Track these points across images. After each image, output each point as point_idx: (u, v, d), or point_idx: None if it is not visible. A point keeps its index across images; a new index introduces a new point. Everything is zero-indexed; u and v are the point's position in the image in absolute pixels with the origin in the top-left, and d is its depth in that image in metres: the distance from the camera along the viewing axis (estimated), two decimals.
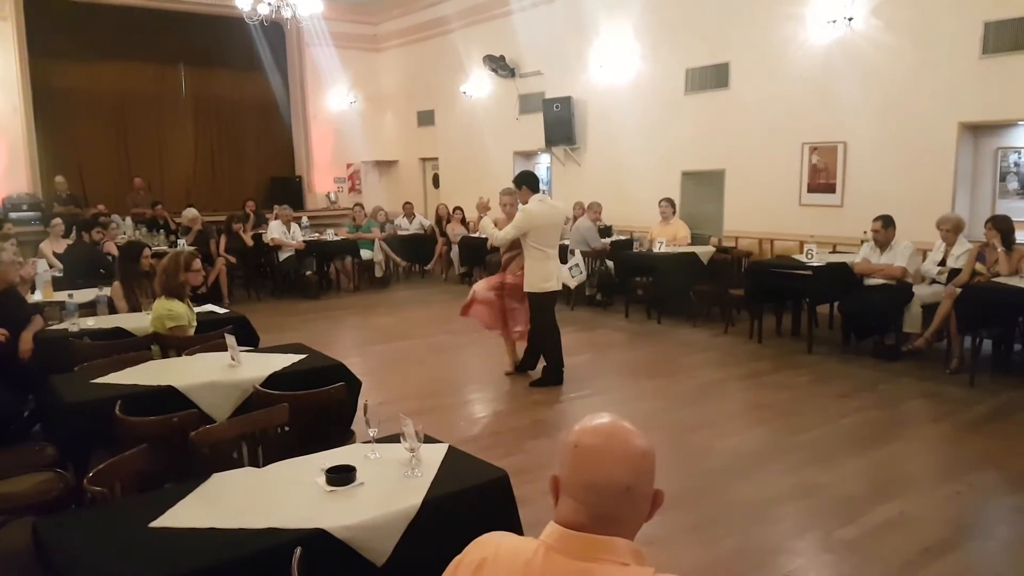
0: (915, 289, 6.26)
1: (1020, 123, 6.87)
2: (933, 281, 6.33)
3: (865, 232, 6.67)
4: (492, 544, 1.35)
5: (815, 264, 6.68)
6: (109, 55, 12.28)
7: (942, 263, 6.31)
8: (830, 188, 7.95)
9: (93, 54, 12.11)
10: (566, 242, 9.33)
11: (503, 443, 4.79)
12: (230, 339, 3.62)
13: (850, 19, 7.50)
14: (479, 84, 12.46)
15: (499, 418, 5.35)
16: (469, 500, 2.33)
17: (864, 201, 7.44)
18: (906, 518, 3.59)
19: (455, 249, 11.30)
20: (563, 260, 9.09)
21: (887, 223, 6.38)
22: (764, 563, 3.28)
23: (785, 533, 3.55)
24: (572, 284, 8.88)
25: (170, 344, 4.06)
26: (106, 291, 5.29)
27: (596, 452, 1.27)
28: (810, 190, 8.14)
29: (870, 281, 6.45)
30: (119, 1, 11.94)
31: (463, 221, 11.70)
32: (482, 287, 6.23)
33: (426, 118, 13.98)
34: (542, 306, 5.82)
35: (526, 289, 5.78)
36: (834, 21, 7.60)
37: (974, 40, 6.72)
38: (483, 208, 5.54)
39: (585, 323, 8.29)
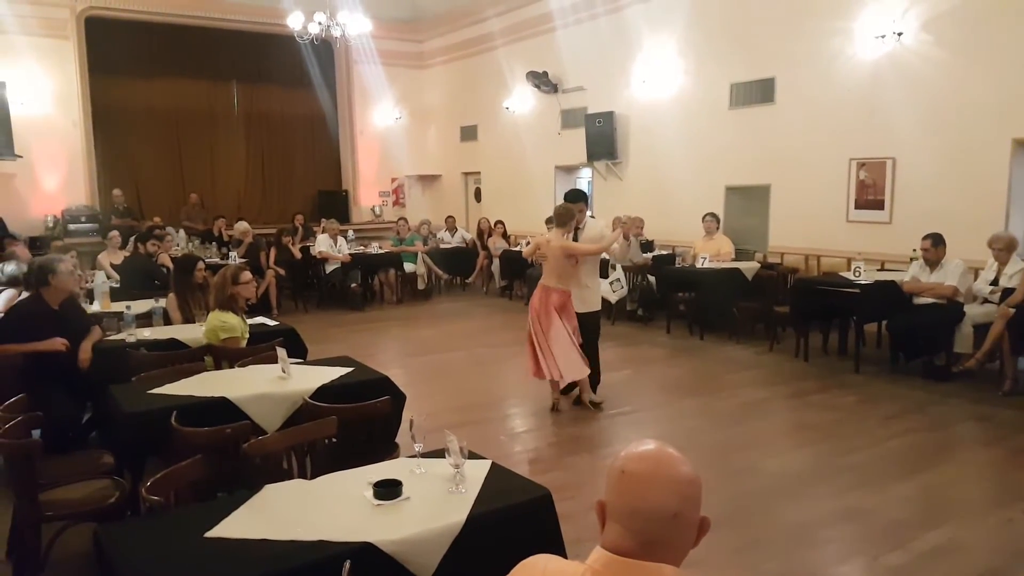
0: (966, 308, 6.11)
1: None
2: (985, 300, 6.17)
3: (915, 250, 6.52)
4: (539, 567, 1.37)
5: (863, 282, 6.57)
6: (165, 72, 12.74)
7: (994, 282, 6.14)
8: (878, 204, 7.79)
9: (149, 71, 12.58)
10: (607, 257, 9.33)
11: (543, 458, 4.81)
12: (281, 352, 3.73)
13: (899, 34, 7.37)
14: (522, 100, 12.57)
15: (539, 433, 5.37)
16: (513, 518, 2.36)
17: (914, 218, 7.27)
18: (956, 545, 3.51)
19: (496, 262, 11.40)
20: (604, 275, 9.10)
21: (937, 241, 6.25)
22: None
23: (830, 558, 3.49)
24: (613, 299, 8.88)
25: (223, 356, 4.19)
26: (162, 303, 5.48)
27: (643, 478, 1.29)
28: (858, 206, 7.99)
29: (920, 300, 6.32)
30: (174, 20, 12.36)
31: (504, 235, 11.79)
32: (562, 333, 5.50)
33: (469, 133, 14.14)
34: (600, 323, 5.90)
35: (589, 309, 5.65)
36: (883, 36, 7.47)
37: None
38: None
39: (626, 338, 8.26)
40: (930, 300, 6.23)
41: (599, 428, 5.40)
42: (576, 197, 5.73)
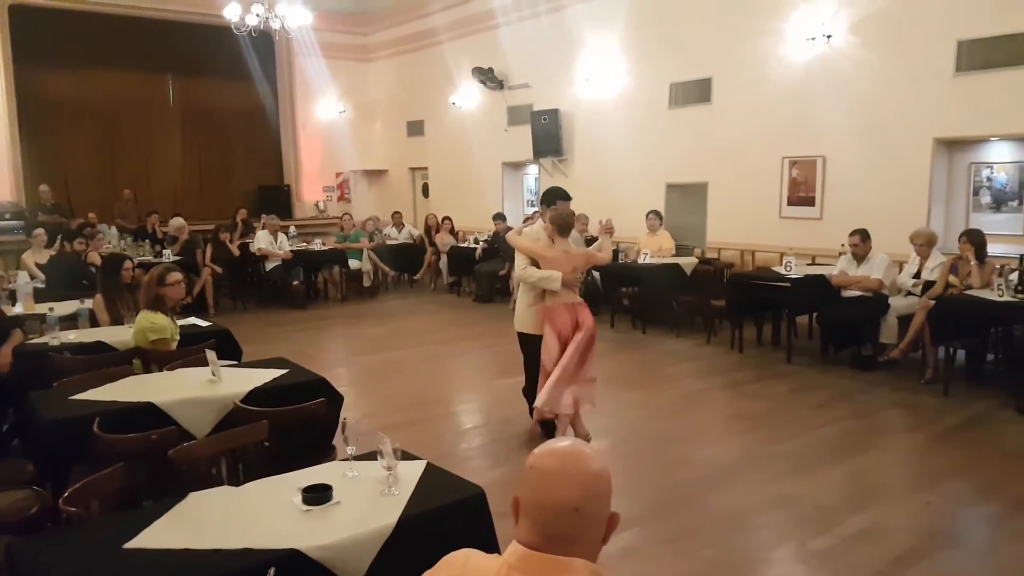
0: (891, 301, 6.36)
1: (992, 139, 7.00)
2: (908, 293, 6.43)
3: (843, 245, 6.77)
4: (459, 563, 1.40)
5: (794, 276, 6.79)
6: (96, 63, 12.26)
7: (917, 275, 6.41)
8: (809, 201, 8.07)
9: (79, 62, 12.09)
10: None
11: (490, 455, 4.82)
12: (211, 354, 3.64)
13: (829, 36, 7.63)
14: (468, 95, 12.53)
15: (486, 430, 5.38)
16: (445, 518, 2.36)
17: (842, 214, 7.54)
18: (878, 528, 3.66)
19: (444, 259, 11.36)
20: None
21: (865, 236, 6.49)
22: (739, 575, 3.34)
23: (761, 544, 3.61)
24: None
25: (152, 358, 4.08)
26: (88, 303, 5.29)
27: (549, 474, 1.32)
28: (790, 203, 8.25)
29: (847, 293, 6.55)
30: (105, 10, 11.90)
31: (452, 231, 11.76)
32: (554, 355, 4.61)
33: (416, 128, 14.03)
34: None
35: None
36: (813, 38, 7.72)
37: (948, 58, 6.85)
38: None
39: None
40: (857, 293, 6.47)
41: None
42: (567, 196, 4.90)
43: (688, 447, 4.84)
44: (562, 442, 1.39)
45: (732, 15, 8.57)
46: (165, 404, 3.29)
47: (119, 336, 4.58)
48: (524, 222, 8.37)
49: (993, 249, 6.25)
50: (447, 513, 2.38)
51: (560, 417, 4.67)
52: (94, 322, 5.11)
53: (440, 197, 13.61)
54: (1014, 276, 5.52)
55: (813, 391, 5.93)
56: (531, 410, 4.99)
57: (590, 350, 4.63)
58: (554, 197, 4.83)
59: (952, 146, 7.23)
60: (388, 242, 11.75)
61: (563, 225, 4.63)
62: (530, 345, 4.84)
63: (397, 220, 12.28)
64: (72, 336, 4.71)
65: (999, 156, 7.06)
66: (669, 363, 6.94)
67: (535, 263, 4.63)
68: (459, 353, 7.68)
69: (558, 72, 10.77)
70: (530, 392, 5.02)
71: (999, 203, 7.04)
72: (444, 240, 11.56)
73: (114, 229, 10.68)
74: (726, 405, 5.83)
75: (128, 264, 5.17)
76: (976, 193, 7.18)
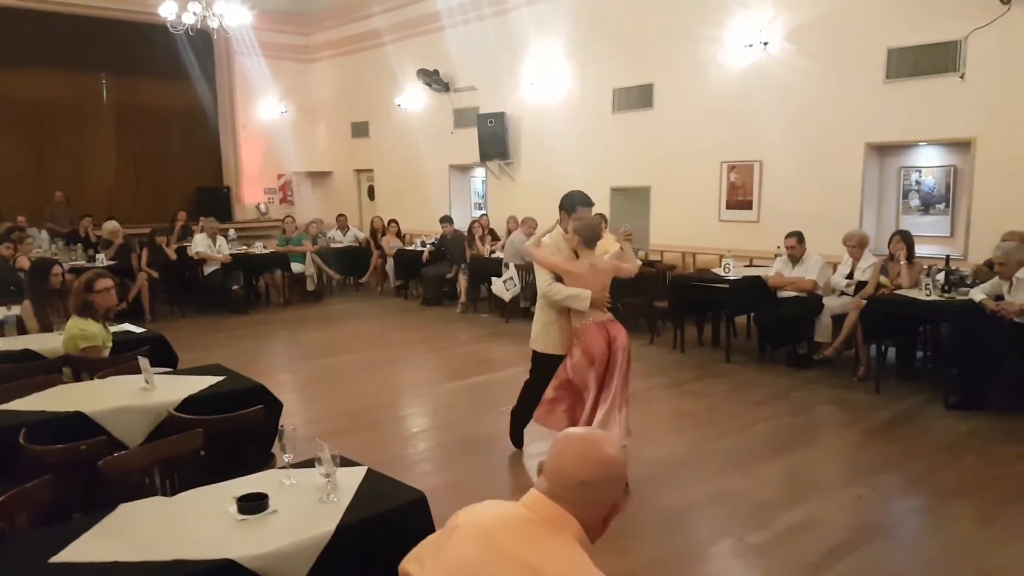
0: (825, 301, 6.59)
1: (921, 144, 7.32)
2: (842, 293, 6.67)
3: (779, 247, 6.98)
4: (480, 507, 1.65)
5: (732, 277, 6.97)
6: (25, 62, 11.77)
7: (850, 276, 6.66)
8: (747, 205, 8.30)
9: (7, 60, 11.59)
10: (501, 255, 9.44)
11: (433, 459, 4.81)
12: (143, 361, 3.54)
13: (765, 43, 7.87)
14: (414, 97, 12.46)
15: (431, 434, 5.37)
16: (385, 523, 2.34)
17: (778, 217, 7.77)
18: (812, 521, 3.78)
19: (390, 262, 11.27)
20: (497, 274, 9.19)
21: (800, 239, 6.71)
22: (678, 571, 3.41)
23: (700, 540, 3.69)
24: (507, 297, 8.98)
25: (82, 366, 3.94)
26: (16, 310, 5.09)
27: (568, 448, 1.58)
28: (729, 206, 8.48)
29: (783, 293, 6.76)
30: (35, 6, 11.46)
31: (398, 234, 11.67)
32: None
33: (360, 129, 13.89)
34: None
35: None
36: (751, 45, 7.95)
37: (878, 65, 7.14)
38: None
39: (518, 335, 8.34)
40: (793, 293, 6.68)
41: (490, 427, 5.42)
42: (589, 202, 4.40)
43: (631, 446, 4.84)
44: (590, 428, 1.65)
45: (673, 22, 8.75)
46: (95, 413, 3.18)
47: (48, 344, 4.42)
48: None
49: (921, 250, 6.53)
50: (387, 519, 2.36)
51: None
52: (22, 329, 4.93)
53: (386, 199, 13.50)
54: (941, 276, 5.78)
55: (751, 389, 6.09)
56: (512, 435, 4.78)
57: (629, 369, 4.25)
58: (575, 203, 4.34)
59: (883, 151, 7.53)
60: (332, 245, 11.59)
61: (589, 236, 4.21)
62: (548, 365, 4.38)
63: (342, 223, 12.13)
64: None
65: (927, 160, 7.38)
66: None
67: (559, 277, 4.27)
68: (406, 357, 7.63)
69: (504, 75, 10.82)
70: (521, 414, 4.69)
71: (927, 206, 7.36)
72: (391, 243, 11.47)
73: (45, 233, 10.29)
74: (668, 404, 5.94)
75: (57, 269, 4.99)
76: (906, 196, 7.49)
